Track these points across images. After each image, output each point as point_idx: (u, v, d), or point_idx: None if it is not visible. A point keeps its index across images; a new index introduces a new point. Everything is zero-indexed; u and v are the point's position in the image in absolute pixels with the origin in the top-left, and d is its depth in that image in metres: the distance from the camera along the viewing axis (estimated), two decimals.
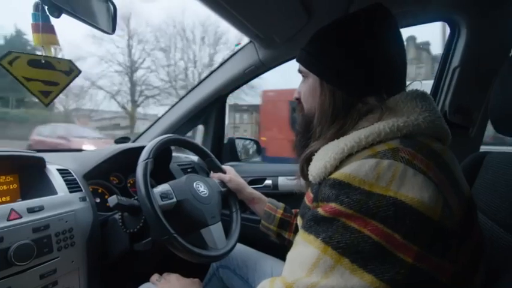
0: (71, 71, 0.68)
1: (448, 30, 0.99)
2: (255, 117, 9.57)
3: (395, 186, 0.37)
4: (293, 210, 0.85)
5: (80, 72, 0.70)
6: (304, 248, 0.41)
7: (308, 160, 0.51)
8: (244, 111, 10.23)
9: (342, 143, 0.45)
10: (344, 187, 0.39)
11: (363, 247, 0.36)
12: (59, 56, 0.66)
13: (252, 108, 9.78)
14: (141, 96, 11.34)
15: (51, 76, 0.64)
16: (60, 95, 0.68)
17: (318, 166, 0.46)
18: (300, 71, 0.59)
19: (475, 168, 0.64)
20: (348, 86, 0.50)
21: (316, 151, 0.50)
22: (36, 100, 0.64)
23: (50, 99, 0.64)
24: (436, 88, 1.01)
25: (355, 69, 0.49)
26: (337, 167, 0.44)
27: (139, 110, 11.38)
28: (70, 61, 0.68)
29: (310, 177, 0.48)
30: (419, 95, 0.49)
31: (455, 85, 0.94)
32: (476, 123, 0.96)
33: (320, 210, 0.41)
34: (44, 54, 0.62)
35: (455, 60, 0.95)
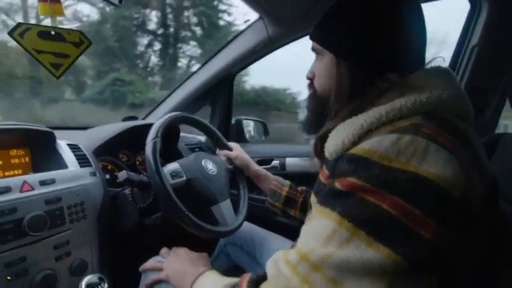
0: (81, 42, 0.67)
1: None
2: None
3: (416, 162, 0.36)
4: (299, 188, 0.85)
5: (90, 43, 0.69)
6: (320, 221, 0.40)
7: (323, 139, 0.50)
8: None
9: (361, 119, 0.43)
10: (362, 162, 0.38)
11: (380, 221, 0.36)
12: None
13: None
14: None
15: (62, 48, 0.63)
16: None
17: (335, 142, 0.45)
18: (313, 49, 0.57)
19: (491, 150, 0.62)
20: (367, 63, 0.48)
21: (331, 129, 0.49)
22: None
23: (60, 71, 0.64)
24: (452, 67, 0.98)
25: (374, 45, 0.47)
26: (355, 143, 0.42)
27: None
28: (80, 32, 0.67)
29: (327, 154, 0.47)
30: (442, 71, 0.48)
31: (473, 64, 0.91)
32: (492, 104, 0.93)
33: (337, 185, 0.40)
34: (53, 26, 0.61)
35: (474, 38, 0.91)
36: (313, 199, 0.56)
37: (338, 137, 0.45)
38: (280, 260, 0.43)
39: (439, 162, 0.36)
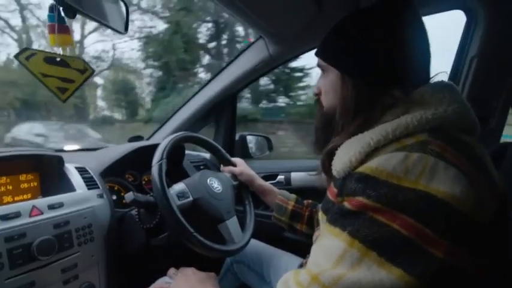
0: (85, 69, 0.69)
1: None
2: None
3: (425, 180, 0.36)
4: (305, 202, 0.85)
5: (93, 71, 0.72)
6: (330, 241, 0.40)
7: (330, 155, 0.50)
8: None
9: (368, 136, 0.43)
10: (371, 181, 0.38)
11: (391, 241, 0.35)
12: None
13: None
14: None
15: (67, 73, 0.66)
16: None
17: (342, 161, 0.45)
18: (319, 66, 0.58)
19: (497, 160, 0.62)
20: (372, 79, 0.48)
21: (338, 146, 0.49)
22: None
23: (66, 95, 0.66)
24: (452, 79, 0.98)
25: (378, 61, 0.48)
26: (362, 161, 0.42)
27: None
28: (83, 60, 0.70)
29: (334, 172, 0.47)
30: (446, 86, 0.48)
31: (473, 75, 0.91)
32: (495, 113, 0.92)
33: (346, 204, 0.40)
34: (58, 53, 0.64)
35: (473, 50, 0.92)
36: (321, 216, 0.56)
37: (345, 155, 0.45)
38: (291, 281, 0.43)
39: (447, 180, 0.36)
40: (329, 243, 0.40)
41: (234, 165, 0.94)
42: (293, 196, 0.86)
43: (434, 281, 0.35)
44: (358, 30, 0.50)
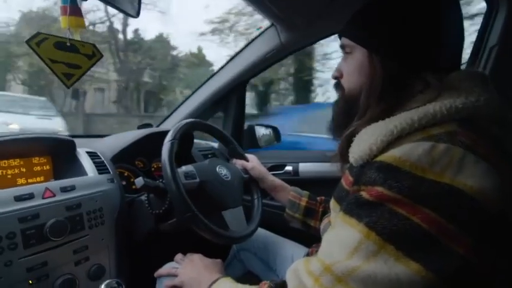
0: (94, 55, 0.69)
1: None
2: None
3: (451, 173, 0.34)
4: (318, 198, 0.84)
5: (101, 56, 0.72)
6: (344, 231, 0.39)
7: (349, 140, 0.48)
8: None
9: (391, 124, 0.41)
10: (393, 171, 0.37)
11: (411, 235, 0.34)
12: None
13: None
14: None
15: (75, 59, 0.66)
16: None
17: (361, 148, 0.43)
18: (342, 47, 0.55)
19: None
20: (403, 56, 0.46)
21: (358, 131, 0.47)
22: None
23: (71, 81, 0.66)
24: None
25: (410, 38, 0.45)
26: (383, 150, 0.40)
27: None
28: (93, 45, 0.69)
29: (351, 159, 0.45)
30: (478, 74, 0.46)
31: (492, 65, 0.88)
32: None
33: (364, 194, 0.39)
34: (69, 37, 0.64)
35: (493, 39, 0.89)
36: (333, 204, 0.54)
37: (365, 142, 0.43)
38: (302, 270, 0.42)
39: (476, 174, 0.34)
40: (344, 233, 0.39)
41: (247, 159, 0.94)
42: (305, 192, 0.85)
43: (453, 278, 0.34)
44: (392, 9, 0.47)
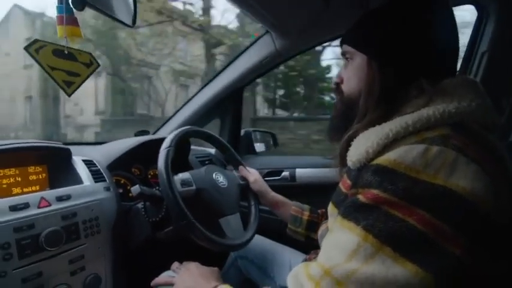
0: (91, 63, 0.70)
1: None
2: None
3: (444, 174, 0.35)
4: (319, 211, 0.84)
5: (99, 65, 0.72)
6: (343, 235, 0.40)
7: (349, 144, 0.49)
8: None
9: (387, 128, 0.42)
10: (388, 173, 0.37)
11: (407, 236, 0.35)
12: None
13: None
14: None
15: (73, 67, 0.66)
16: None
17: (358, 151, 0.44)
18: (343, 54, 0.57)
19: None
20: (399, 63, 0.48)
21: (357, 134, 0.48)
22: None
23: (72, 89, 0.66)
24: (462, 74, 0.97)
25: (408, 45, 0.47)
26: (379, 153, 0.41)
27: None
28: (90, 54, 0.70)
29: (349, 163, 0.46)
30: (470, 81, 0.47)
31: (484, 71, 0.90)
32: (505, 110, 0.91)
33: (360, 197, 0.39)
34: (67, 46, 0.64)
35: (484, 45, 0.91)
36: (331, 208, 0.54)
37: (362, 146, 0.44)
38: (302, 274, 0.42)
39: (468, 176, 0.35)
40: (342, 237, 0.39)
41: (243, 165, 0.94)
42: (307, 206, 0.85)
43: (450, 279, 0.34)
44: (388, 17, 0.49)
